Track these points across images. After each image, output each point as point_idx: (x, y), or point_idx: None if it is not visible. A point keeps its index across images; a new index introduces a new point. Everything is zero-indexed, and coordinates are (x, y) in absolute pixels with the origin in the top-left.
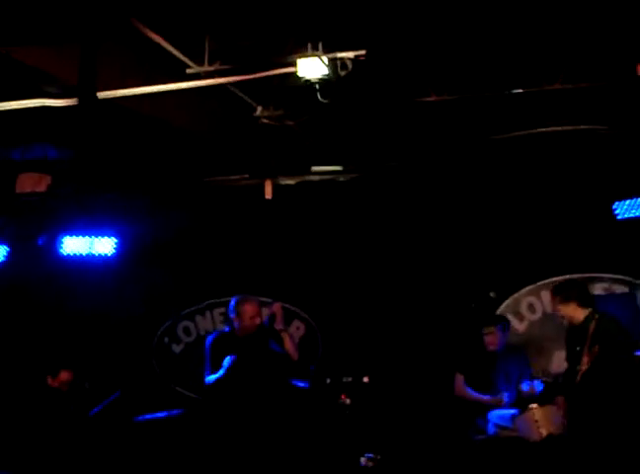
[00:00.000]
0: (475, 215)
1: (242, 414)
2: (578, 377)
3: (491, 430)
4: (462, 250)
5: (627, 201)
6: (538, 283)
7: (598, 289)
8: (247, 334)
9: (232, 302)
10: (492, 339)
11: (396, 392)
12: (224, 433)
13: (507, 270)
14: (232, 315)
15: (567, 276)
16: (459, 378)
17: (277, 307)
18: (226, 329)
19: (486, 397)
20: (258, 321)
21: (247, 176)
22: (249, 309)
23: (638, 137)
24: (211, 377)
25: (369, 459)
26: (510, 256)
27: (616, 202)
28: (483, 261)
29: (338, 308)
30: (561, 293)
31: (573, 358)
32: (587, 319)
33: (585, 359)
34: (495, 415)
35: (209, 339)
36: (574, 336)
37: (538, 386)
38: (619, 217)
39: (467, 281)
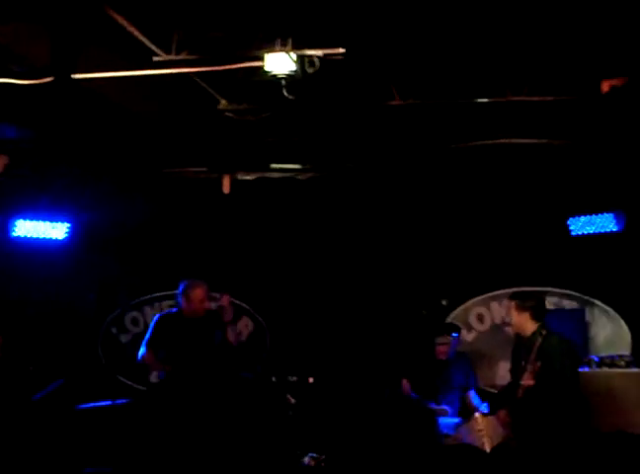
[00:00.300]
0: (430, 222)
1: (186, 400)
2: (520, 392)
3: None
4: (416, 256)
5: (582, 218)
6: (489, 294)
7: (548, 304)
8: (194, 317)
9: (181, 285)
10: (444, 348)
11: (341, 394)
12: (168, 421)
13: (459, 279)
14: (180, 298)
15: (517, 289)
16: (406, 384)
17: (225, 299)
18: (174, 310)
19: (431, 405)
20: (206, 305)
21: (206, 169)
22: (199, 293)
23: (597, 154)
24: (142, 351)
25: (312, 458)
26: (462, 265)
27: (571, 218)
28: (436, 268)
29: (288, 308)
30: (518, 300)
31: (516, 372)
32: (534, 334)
33: (527, 375)
34: (443, 422)
35: (157, 316)
36: (520, 349)
37: (483, 408)
38: (573, 233)
39: (419, 288)
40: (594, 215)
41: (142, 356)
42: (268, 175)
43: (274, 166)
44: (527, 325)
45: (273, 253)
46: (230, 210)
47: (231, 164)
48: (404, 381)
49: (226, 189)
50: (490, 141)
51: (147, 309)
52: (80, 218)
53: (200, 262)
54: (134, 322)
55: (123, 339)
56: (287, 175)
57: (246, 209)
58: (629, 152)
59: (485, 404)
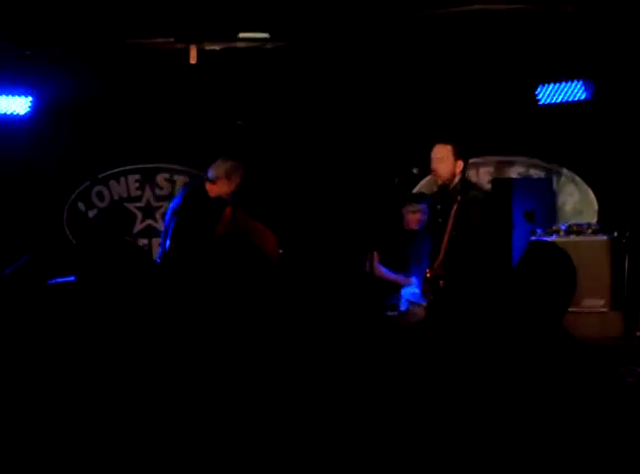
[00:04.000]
0: (399, 91)
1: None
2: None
3: (403, 306)
4: (384, 125)
5: (550, 86)
6: None
7: (514, 173)
8: None
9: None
10: (414, 217)
11: (309, 267)
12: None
13: (429, 147)
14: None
15: (485, 158)
16: (374, 256)
17: None
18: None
19: (400, 277)
20: None
21: (172, 40)
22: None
23: (566, 21)
24: None
25: None
26: (432, 133)
27: (540, 87)
28: (407, 136)
29: (254, 179)
30: (456, 144)
31: (437, 232)
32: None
33: (446, 238)
34: (408, 292)
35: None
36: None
37: None
38: (541, 102)
39: (390, 156)
40: (562, 83)
41: None
42: (235, 45)
43: (241, 35)
44: (456, 176)
45: (241, 124)
46: (197, 82)
47: (198, 34)
48: (373, 254)
49: (193, 59)
50: (452, 9)
51: (113, 183)
52: (43, 92)
53: (164, 134)
54: (100, 197)
55: (90, 214)
56: (256, 44)
57: (213, 81)
58: (599, 18)
59: None
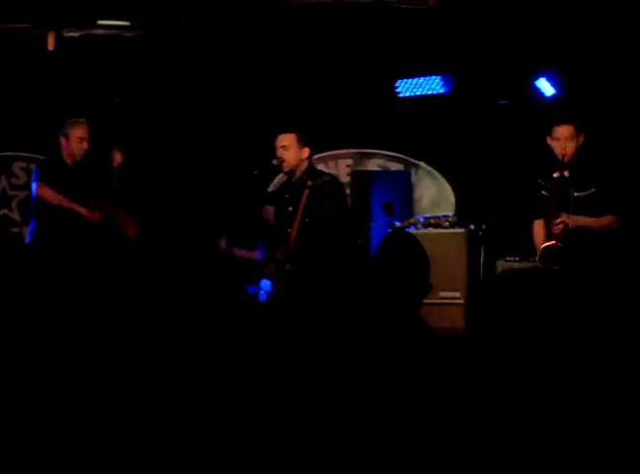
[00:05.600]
0: (260, 83)
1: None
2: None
3: (263, 297)
4: (245, 116)
5: (409, 80)
6: (315, 156)
7: (373, 165)
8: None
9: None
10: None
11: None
12: None
13: None
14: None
15: (345, 150)
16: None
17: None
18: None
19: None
20: (86, 145)
21: (29, 25)
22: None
23: (427, 14)
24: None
25: None
26: (291, 125)
27: (399, 80)
28: (267, 128)
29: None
30: (303, 132)
31: (283, 219)
32: (304, 174)
33: (295, 224)
34: (266, 283)
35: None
36: (284, 192)
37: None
38: (400, 95)
39: (251, 148)
40: (421, 78)
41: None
42: (94, 32)
43: (100, 23)
44: (303, 163)
45: (101, 111)
46: (55, 69)
47: (56, 20)
48: (223, 237)
49: (51, 46)
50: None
51: None
52: None
53: (25, 121)
54: None
55: None
56: (115, 32)
57: (72, 68)
58: (459, 12)
59: None
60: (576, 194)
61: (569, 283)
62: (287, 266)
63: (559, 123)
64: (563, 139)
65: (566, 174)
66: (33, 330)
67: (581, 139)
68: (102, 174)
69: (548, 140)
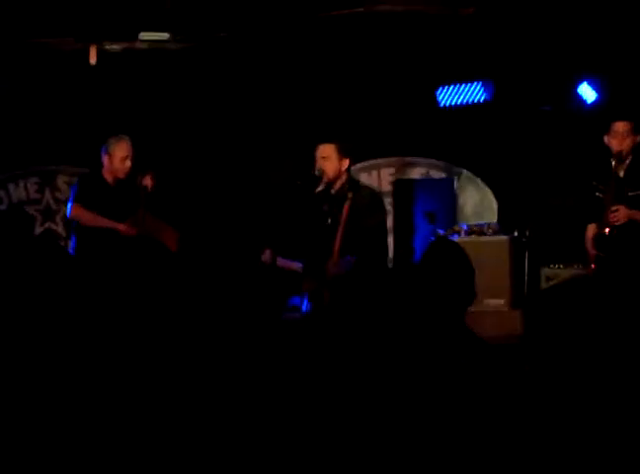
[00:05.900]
0: (301, 94)
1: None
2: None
3: (305, 307)
4: (289, 126)
5: (450, 87)
6: (357, 165)
7: (415, 174)
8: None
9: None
10: None
11: (207, 265)
12: None
13: None
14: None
15: (386, 159)
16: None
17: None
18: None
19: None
20: (129, 164)
21: (72, 39)
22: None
23: (466, 22)
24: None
25: None
26: (329, 135)
27: (439, 88)
28: (310, 137)
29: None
30: (342, 142)
31: (325, 232)
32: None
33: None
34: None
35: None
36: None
37: None
38: (441, 104)
39: (292, 159)
40: (462, 85)
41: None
42: (136, 45)
43: (143, 35)
44: (343, 174)
45: (145, 126)
46: (97, 83)
47: (98, 33)
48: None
49: (93, 59)
50: (358, 9)
51: (11, 186)
52: None
53: (65, 136)
54: None
55: None
56: (157, 45)
57: (114, 81)
58: (499, 20)
59: None
60: (630, 193)
61: (622, 292)
62: (332, 277)
63: (617, 120)
64: (620, 134)
65: (621, 174)
66: (78, 341)
67: (637, 138)
68: (139, 187)
69: (605, 139)
